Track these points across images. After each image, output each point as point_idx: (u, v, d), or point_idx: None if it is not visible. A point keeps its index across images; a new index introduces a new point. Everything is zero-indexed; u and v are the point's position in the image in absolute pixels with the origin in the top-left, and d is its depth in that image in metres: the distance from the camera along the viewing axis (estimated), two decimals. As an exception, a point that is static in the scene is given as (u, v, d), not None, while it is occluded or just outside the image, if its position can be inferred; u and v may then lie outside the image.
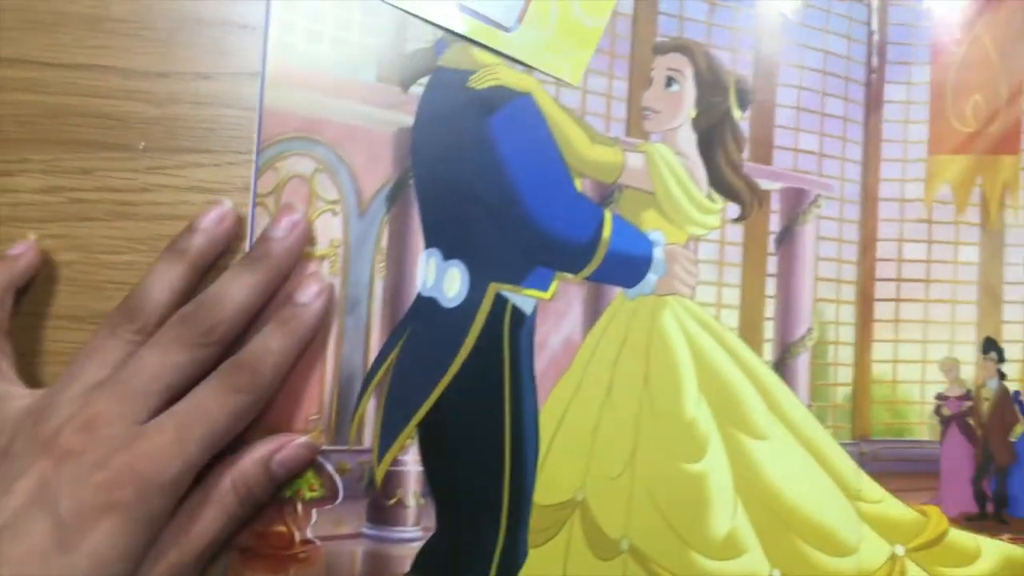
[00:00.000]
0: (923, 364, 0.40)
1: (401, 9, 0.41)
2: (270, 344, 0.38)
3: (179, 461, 0.34)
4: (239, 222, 0.40)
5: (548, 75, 0.41)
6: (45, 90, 0.42)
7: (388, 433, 0.40)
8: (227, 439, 0.36)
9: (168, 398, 0.36)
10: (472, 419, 0.40)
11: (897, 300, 0.40)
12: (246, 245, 0.41)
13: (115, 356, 0.36)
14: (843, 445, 0.40)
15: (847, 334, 0.40)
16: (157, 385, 0.35)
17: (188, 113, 0.42)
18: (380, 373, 0.40)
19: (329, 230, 0.41)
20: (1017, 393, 0.40)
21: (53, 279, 0.41)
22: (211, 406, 0.35)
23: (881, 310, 0.40)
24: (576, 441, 0.40)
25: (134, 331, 0.37)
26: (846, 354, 0.40)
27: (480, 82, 0.41)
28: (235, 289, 0.38)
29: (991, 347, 0.40)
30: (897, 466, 0.40)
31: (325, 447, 0.39)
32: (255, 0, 0.41)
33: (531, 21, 0.41)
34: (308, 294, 0.39)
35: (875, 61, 0.41)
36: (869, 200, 0.41)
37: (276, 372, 0.38)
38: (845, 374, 0.40)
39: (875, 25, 0.41)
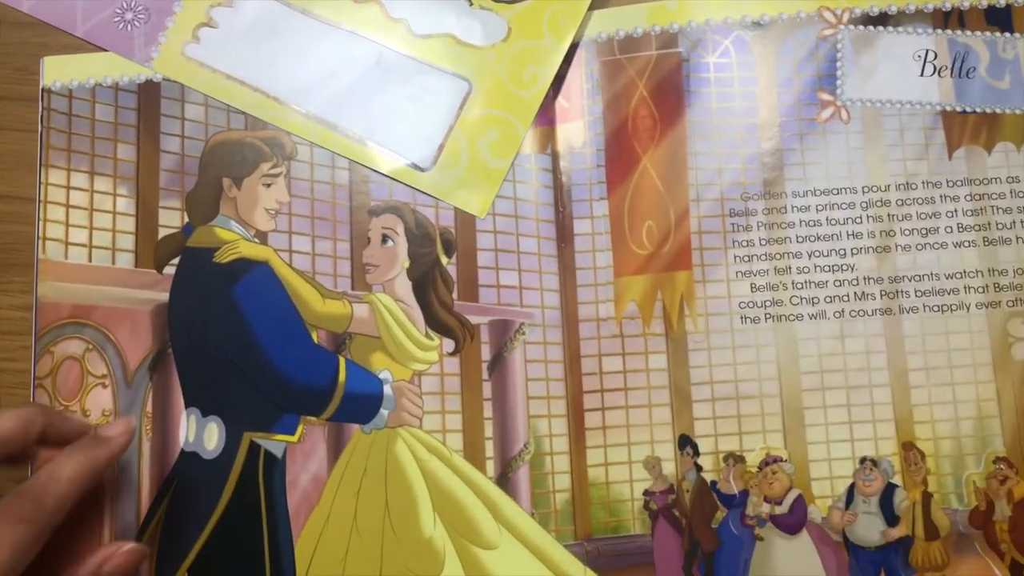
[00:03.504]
0: (630, 464, 0.44)
1: (337, 154, 0.47)
2: (60, 473, 0.39)
3: None
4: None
5: (458, 208, 0.47)
6: None
7: (156, 581, 0.44)
8: (14, 572, 0.37)
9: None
10: (235, 560, 0.44)
11: (603, 409, 0.45)
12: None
13: None
14: (568, 546, 0.44)
15: (561, 444, 0.45)
16: None
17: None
18: (152, 525, 0.45)
19: (100, 401, 0.46)
20: (714, 483, 0.44)
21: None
22: None
23: (590, 419, 0.45)
24: (329, 569, 0.44)
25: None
26: (562, 463, 0.45)
27: (224, 256, 0.47)
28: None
29: (686, 443, 0.44)
30: (618, 561, 0.44)
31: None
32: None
33: (444, 162, 0.47)
34: (113, 430, 0.41)
35: (562, 201, 0.47)
36: (570, 323, 0.46)
37: (59, 502, 0.38)
38: (563, 481, 0.45)
39: (560, 170, 0.47)
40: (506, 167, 0.47)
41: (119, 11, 0.49)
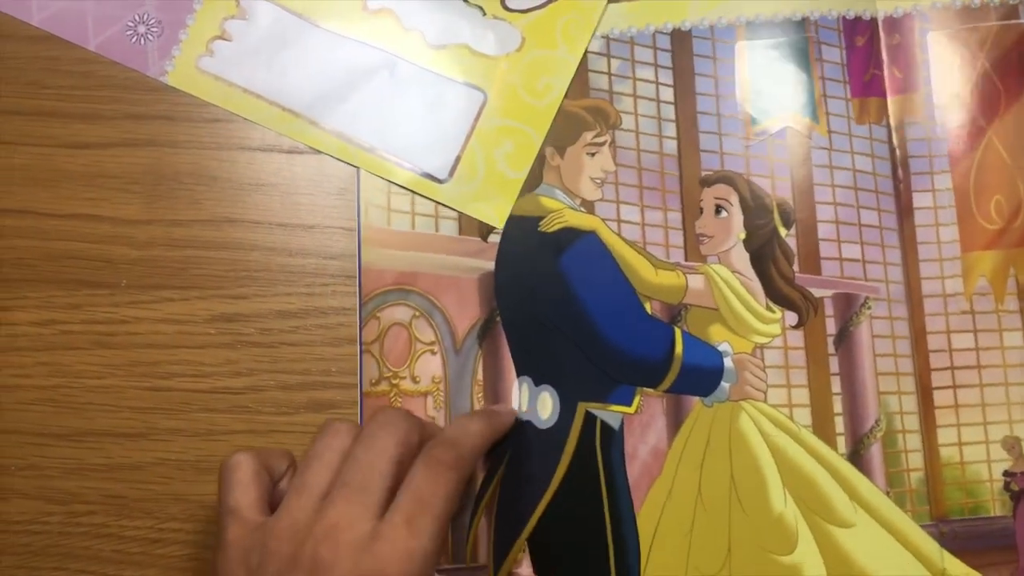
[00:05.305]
0: (986, 444, 0.43)
1: (350, 164, 0.47)
2: (469, 426, 0.41)
3: (419, 557, 0.35)
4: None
5: (475, 219, 0.46)
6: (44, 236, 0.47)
7: (501, 549, 0.43)
8: (448, 522, 0.37)
9: (392, 483, 0.37)
10: (576, 529, 0.43)
11: (954, 387, 0.44)
12: (356, 392, 0.45)
13: (335, 459, 0.38)
14: (923, 527, 0.43)
15: (912, 422, 0.44)
16: (379, 477, 0.37)
17: (163, 255, 0.47)
18: (488, 494, 0.44)
19: (430, 368, 0.46)
20: (1081, 464, 0.42)
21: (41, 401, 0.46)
22: (428, 491, 0.36)
23: (940, 397, 0.44)
24: (674, 542, 0.43)
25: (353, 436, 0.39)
26: (914, 441, 0.44)
27: (549, 226, 0.46)
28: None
29: (1049, 422, 0.43)
30: (976, 543, 0.42)
31: (443, 566, 0.43)
32: (220, 151, 0.47)
33: (462, 174, 0.47)
34: (505, 407, 0.44)
35: (900, 173, 0.46)
36: (914, 298, 0.45)
37: (473, 454, 0.40)
38: (916, 460, 0.43)
39: (895, 142, 0.46)
40: (522, 178, 0.46)
41: (131, 24, 0.47)
